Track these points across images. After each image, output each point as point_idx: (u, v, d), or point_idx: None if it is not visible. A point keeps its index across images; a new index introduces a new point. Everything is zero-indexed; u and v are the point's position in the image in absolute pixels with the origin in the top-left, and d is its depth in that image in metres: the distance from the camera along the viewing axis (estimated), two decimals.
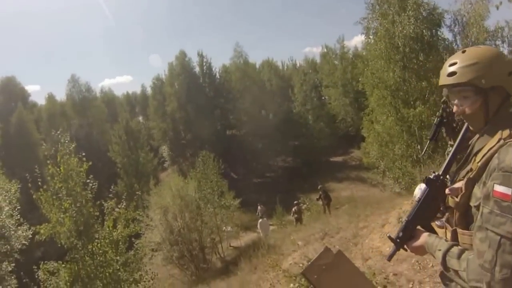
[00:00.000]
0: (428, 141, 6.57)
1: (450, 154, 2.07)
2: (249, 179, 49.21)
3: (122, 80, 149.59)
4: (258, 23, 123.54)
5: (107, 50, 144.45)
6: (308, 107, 53.05)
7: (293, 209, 22.56)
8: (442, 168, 2.06)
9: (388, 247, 7.43)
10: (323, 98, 57.93)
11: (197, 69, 56.61)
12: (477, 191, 1.79)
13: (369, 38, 24.28)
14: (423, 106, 21.13)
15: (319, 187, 23.02)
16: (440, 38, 23.58)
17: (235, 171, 49.35)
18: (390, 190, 22.46)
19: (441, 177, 2.03)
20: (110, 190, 15.50)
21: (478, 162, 1.81)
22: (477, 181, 1.80)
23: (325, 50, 62.81)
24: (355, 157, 49.62)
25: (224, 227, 25.82)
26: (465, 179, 1.85)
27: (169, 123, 56.56)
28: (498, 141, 1.76)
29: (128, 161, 43.09)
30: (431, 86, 21.31)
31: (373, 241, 8.86)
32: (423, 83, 21.72)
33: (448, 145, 6.55)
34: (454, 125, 6.06)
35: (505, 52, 26.39)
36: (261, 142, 53.95)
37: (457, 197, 1.89)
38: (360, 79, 27.95)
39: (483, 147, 1.84)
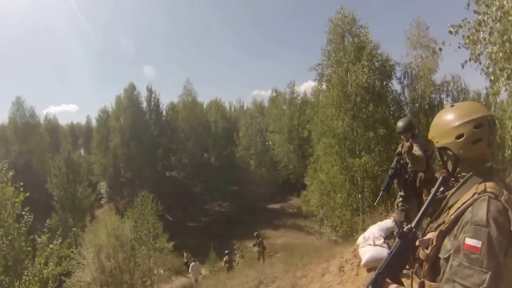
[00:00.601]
0: (381, 192, 6.63)
1: (424, 207, 2.11)
2: (184, 223, 48.59)
3: (68, 108, 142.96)
4: (210, 61, 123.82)
5: (56, 75, 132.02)
6: (252, 152, 53.40)
7: (225, 259, 22.85)
8: (415, 221, 2.08)
9: None
10: (267, 143, 58.20)
11: (144, 104, 55.83)
12: (448, 243, 1.89)
13: (322, 84, 24.71)
14: (368, 156, 21.55)
15: (255, 234, 22.61)
16: (389, 89, 24.34)
17: (170, 213, 48.25)
18: (327, 238, 22.36)
19: (413, 230, 2.05)
20: (45, 224, 15.04)
21: (451, 215, 1.91)
22: (448, 234, 1.91)
23: (274, 94, 63.86)
24: (294, 205, 49.94)
25: (156, 270, 25.16)
26: (437, 232, 1.96)
27: (111, 159, 55.26)
28: (473, 196, 1.86)
29: (65, 195, 41.52)
30: (377, 136, 22.21)
31: None
32: (370, 133, 22.29)
33: (398, 196, 6.66)
34: (406, 176, 6.36)
35: (448, 105, 27.33)
36: (199, 186, 54.42)
37: (427, 249, 1.99)
38: (307, 126, 28.36)
39: (457, 201, 1.93)
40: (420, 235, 2.07)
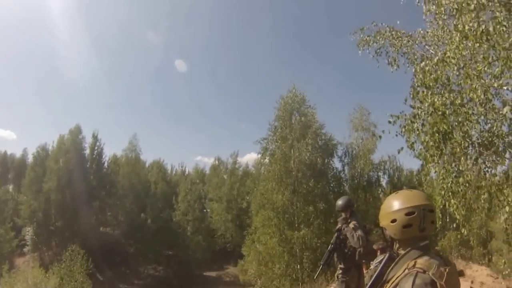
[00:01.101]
0: (321, 266, 6.79)
1: (372, 280, 2.32)
2: (115, 284, 45.99)
3: (4, 134, 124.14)
4: (158, 119, 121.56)
5: None
6: (189, 217, 52.24)
7: None
8: None
9: None
10: (205, 210, 57.77)
11: (87, 151, 52.52)
12: None
13: (265, 158, 25.27)
14: (307, 229, 21.96)
15: None
16: (331, 166, 25.30)
17: (101, 272, 44.71)
18: None
19: None
20: None
21: None
22: None
23: (217, 162, 64.15)
24: (230, 273, 49.13)
25: None
26: None
27: (42, 202, 48.44)
28: (403, 271, 2.08)
29: None
30: (317, 210, 22.78)
31: None
32: (310, 207, 22.99)
33: (338, 268, 6.78)
34: (346, 250, 6.59)
35: (384, 182, 29.21)
36: (134, 246, 51.71)
37: None
38: (247, 197, 28.57)
39: (394, 276, 2.16)
40: None
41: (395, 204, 2.25)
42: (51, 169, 49.24)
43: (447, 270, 2.00)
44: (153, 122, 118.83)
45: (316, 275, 8.25)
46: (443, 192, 7.01)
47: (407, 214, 2.17)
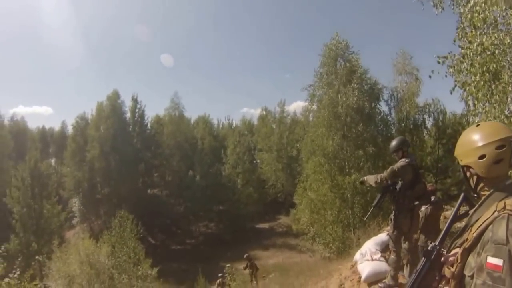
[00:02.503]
0: (372, 208, 6.93)
1: (447, 224, 2.23)
2: (168, 246, 46.34)
3: (40, 110, 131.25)
4: (200, 76, 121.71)
5: (30, 69, 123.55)
6: (239, 170, 51.73)
7: (218, 282, 21.43)
8: (439, 239, 2.19)
9: None
10: (255, 161, 57.70)
11: (128, 115, 52.66)
12: (472, 260, 1.95)
13: (313, 105, 25.45)
14: (357, 173, 21.95)
15: (245, 256, 22.00)
16: (377, 110, 25.22)
17: (153, 235, 45.96)
18: (321, 256, 22.52)
19: (438, 247, 2.15)
20: (1, 249, 12.58)
21: (473, 233, 1.96)
22: (472, 251, 1.96)
23: (264, 112, 63.83)
24: (283, 224, 49.23)
25: None
26: (461, 249, 2.02)
27: (86, 172, 49.81)
28: (493, 213, 1.90)
29: (29, 212, 34.86)
30: (367, 154, 22.96)
31: None
32: (360, 151, 23.18)
33: (392, 210, 6.81)
34: (396, 193, 6.63)
35: (430, 124, 29.11)
36: (183, 205, 51.85)
37: (452, 266, 2.06)
38: (297, 144, 28.60)
39: (479, 218, 1.98)
40: (445, 252, 2.16)
41: (481, 138, 2.06)
42: (93, 137, 49.53)
43: None
44: (196, 80, 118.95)
45: (367, 217, 8.38)
46: None
47: (497, 148, 2.00)
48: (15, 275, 10.05)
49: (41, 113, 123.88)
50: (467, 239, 2.01)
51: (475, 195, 2.17)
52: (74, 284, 18.21)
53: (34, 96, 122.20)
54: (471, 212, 2.10)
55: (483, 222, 1.92)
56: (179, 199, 52.23)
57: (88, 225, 49.03)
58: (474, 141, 2.08)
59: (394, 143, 6.75)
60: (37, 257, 21.12)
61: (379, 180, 6.49)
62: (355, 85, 23.52)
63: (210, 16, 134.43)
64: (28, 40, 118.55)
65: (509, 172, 2.13)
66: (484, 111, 7.20)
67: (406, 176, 6.47)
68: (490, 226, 1.87)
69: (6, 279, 9.84)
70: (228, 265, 22.36)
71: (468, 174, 2.18)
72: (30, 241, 32.97)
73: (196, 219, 51.92)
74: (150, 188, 53.85)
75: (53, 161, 68.49)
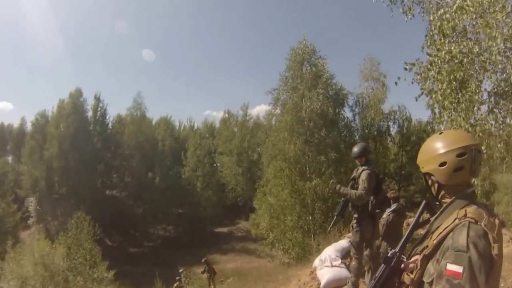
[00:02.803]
0: (335, 216, 6.95)
1: (408, 231, 2.24)
2: (125, 248, 45.92)
3: (0, 106, 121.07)
4: (163, 76, 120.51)
5: None
6: (199, 173, 51.87)
7: (175, 285, 21.46)
8: (399, 246, 2.20)
9: None
10: (215, 165, 57.71)
11: (90, 113, 52.15)
12: (431, 267, 1.97)
13: (276, 109, 25.55)
14: (318, 179, 22.18)
15: (203, 260, 21.64)
16: (341, 116, 25.50)
17: (110, 237, 45.68)
18: (280, 261, 22.43)
19: (398, 254, 2.15)
20: None
21: (434, 240, 1.97)
22: (431, 258, 1.98)
23: (227, 115, 63.68)
24: (242, 228, 49.36)
25: None
26: (421, 256, 2.03)
27: (44, 171, 48.64)
28: (454, 221, 1.93)
29: None
30: (329, 160, 23.07)
31: None
32: (322, 157, 23.28)
33: (353, 218, 6.80)
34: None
35: (394, 131, 29.67)
36: (142, 207, 51.45)
37: (412, 273, 2.07)
38: (258, 148, 28.61)
39: (440, 226, 2.00)
40: (405, 259, 2.15)
41: (443, 145, 2.07)
42: (52, 135, 48.54)
43: (496, 220, 1.93)
44: (159, 81, 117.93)
45: (330, 226, 8.37)
46: None
47: (458, 156, 2.01)
48: None
49: (1, 109, 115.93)
50: (427, 246, 2.03)
51: (437, 202, 2.20)
52: (27, 286, 18.09)
53: None
54: (432, 219, 2.12)
55: (443, 230, 1.95)
56: (138, 201, 51.80)
57: (44, 226, 47.28)
58: (436, 148, 2.10)
59: (356, 149, 6.75)
60: None
61: (355, 197, 6.40)
62: (320, 90, 23.65)
63: (176, 17, 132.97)
64: None
65: (473, 180, 2.25)
66: (449, 119, 7.28)
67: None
68: (451, 234, 1.90)
69: None
70: (181, 270, 22.72)
71: (429, 181, 2.21)
72: None
73: (155, 221, 51.50)
74: (109, 189, 53.43)
75: (10, 158, 67.61)
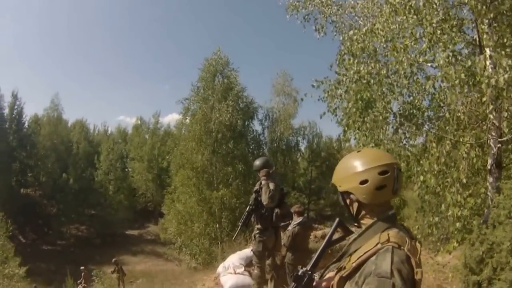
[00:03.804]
0: (239, 226, 6.81)
1: (320, 249, 2.02)
2: (38, 245, 44.10)
3: None
4: (81, 77, 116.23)
5: None
6: (111, 177, 51.12)
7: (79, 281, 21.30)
8: (311, 264, 1.99)
9: None
10: (127, 169, 56.79)
11: (6, 110, 48.11)
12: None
13: (186, 118, 24.97)
14: (226, 189, 22.20)
15: (113, 260, 21.83)
16: (251, 129, 25.55)
17: (23, 234, 43.97)
18: (187, 266, 22.14)
19: (309, 273, 1.96)
20: None
21: (352, 263, 1.79)
22: (349, 279, 1.80)
23: (139, 122, 62.96)
24: (151, 232, 48.93)
25: None
26: (337, 277, 1.86)
27: None
28: (376, 245, 1.75)
29: None
30: (236, 171, 23.06)
31: None
32: (229, 168, 23.28)
33: (256, 228, 6.69)
34: (263, 211, 6.45)
35: (303, 147, 29.96)
36: (56, 207, 49.58)
37: None
38: (167, 157, 28.17)
39: (359, 248, 1.81)
40: (317, 277, 2.00)
41: (363, 163, 1.87)
42: None
43: (418, 244, 1.80)
44: (76, 81, 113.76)
45: (235, 236, 8.19)
46: None
47: (380, 174, 1.82)
48: None
49: None
50: (344, 267, 1.83)
51: (355, 223, 1.97)
52: None
53: None
54: (350, 239, 1.92)
55: (364, 253, 1.74)
56: (52, 201, 49.73)
57: None
58: (355, 166, 1.88)
59: (257, 162, 6.61)
60: None
61: (266, 196, 6.15)
62: (230, 102, 23.57)
63: (91, 16, 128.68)
64: None
65: (392, 200, 1.97)
66: (354, 137, 7.21)
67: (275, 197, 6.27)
68: (373, 258, 1.70)
69: None
70: (82, 267, 22.59)
71: (348, 201, 1.95)
72: None
73: (68, 221, 49.47)
74: (23, 187, 50.62)
75: None
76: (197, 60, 62.15)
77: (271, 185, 6.18)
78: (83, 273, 22.23)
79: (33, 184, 50.83)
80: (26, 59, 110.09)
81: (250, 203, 6.57)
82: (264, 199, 6.19)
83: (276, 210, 6.42)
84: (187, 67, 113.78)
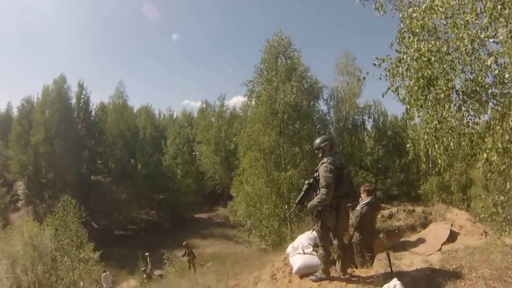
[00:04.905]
0: (295, 205, 6.86)
1: None
2: (110, 231, 46.11)
3: None
4: (144, 65, 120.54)
5: None
6: (179, 161, 52.36)
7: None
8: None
9: None
10: (194, 153, 57.74)
11: (73, 100, 50.80)
12: None
13: (251, 100, 25.03)
14: (293, 170, 22.11)
15: (184, 244, 22.43)
16: (316, 109, 25.30)
17: (96, 220, 46.18)
18: (257, 247, 22.66)
19: None
20: None
21: None
22: None
23: (204, 105, 63.98)
24: (220, 215, 49.77)
25: (81, 283, 22.52)
26: None
27: (31, 156, 48.18)
28: None
29: None
30: (303, 152, 22.81)
31: None
32: (296, 148, 23.13)
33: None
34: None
35: (369, 126, 29.56)
36: (126, 193, 51.67)
37: None
38: (234, 139, 28.42)
39: None
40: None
41: None
42: (38, 121, 47.83)
43: None
44: (140, 69, 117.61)
45: (290, 213, 8.27)
46: (426, 137, 7.00)
47: None
48: None
49: None
50: None
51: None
52: (18, 265, 18.33)
53: None
54: None
55: None
56: (121, 187, 51.93)
57: (32, 208, 47.32)
58: None
59: (317, 140, 6.58)
60: None
61: (321, 200, 6.16)
62: (295, 82, 23.36)
63: (159, 6, 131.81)
64: None
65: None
66: (418, 115, 7.21)
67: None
68: None
69: None
70: (147, 253, 24.10)
71: None
72: None
73: (138, 206, 51.84)
74: (94, 174, 53.44)
75: None
76: (259, 42, 62.27)
77: (321, 170, 6.16)
78: (148, 258, 23.73)
79: (102, 171, 53.51)
80: (91, 49, 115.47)
81: (306, 182, 6.60)
82: (319, 203, 6.18)
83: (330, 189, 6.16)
84: (249, 50, 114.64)
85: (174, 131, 54.67)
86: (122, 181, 51.46)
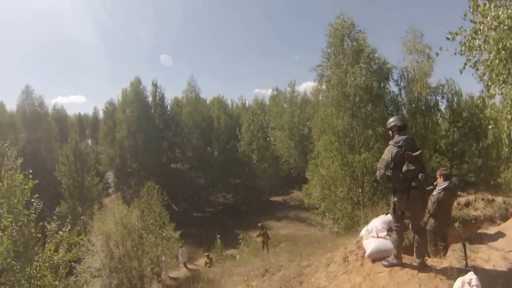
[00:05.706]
0: (373, 182, 6.60)
1: None
2: (189, 213, 48.40)
3: (76, 99, 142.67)
4: (214, 59, 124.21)
5: (64, 66, 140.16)
6: (254, 147, 52.69)
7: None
8: None
9: (335, 286, 6.98)
10: (268, 139, 58.08)
11: (149, 98, 54.21)
12: None
13: (322, 85, 24.54)
14: (367, 153, 21.60)
15: (259, 225, 22.79)
16: (387, 90, 24.39)
17: (176, 203, 48.40)
18: (329, 230, 22.27)
19: None
20: (55, 212, 14.17)
21: None
22: None
23: (275, 92, 64.38)
24: (295, 198, 49.96)
25: (163, 258, 24.53)
26: None
27: (117, 149, 54.08)
28: None
29: (73, 183, 40.22)
30: (376, 134, 22.25)
31: (319, 280, 8.28)
32: (369, 131, 22.51)
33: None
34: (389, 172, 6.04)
35: (443, 106, 27.84)
36: (203, 178, 54.02)
37: None
38: (308, 123, 28.10)
39: None
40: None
41: None
42: (120, 119, 52.99)
43: None
44: (211, 62, 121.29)
45: (373, 179, 7.86)
46: (510, 117, 6.30)
47: None
48: (66, 231, 11.44)
49: (76, 102, 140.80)
50: None
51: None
52: (111, 240, 20.43)
53: (69, 87, 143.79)
54: None
55: None
56: (199, 173, 54.51)
57: (121, 194, 52.98)
58: None
59: (390, 120, 6.23)
60: (82, 217, 23.75)
61: (374, 178, 6.12)
62: (363, 64, 22.54)
63: (226, 7, 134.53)
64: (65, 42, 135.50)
65: None
66: (500, 92, 6.46)
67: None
68: None
69: (60, 232, 11.19)
70: (218, 236, 26.34)
71: None
72: (76, 205, 38.04)
73: (215, 190, 54.11)
74: (173, 162, 55.66)
75: (89, 141, 77.25)
76: (322, 26, 61.54)
77: (386, 151, 5.91)
78: (219, 240, 25.05)
79: (181, 159, 56.14)
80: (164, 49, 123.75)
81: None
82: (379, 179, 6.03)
83: (398, 173, 5.84)
84: (313, 35, 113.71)
85: (248, 118, 55.18)
86: (200, 168, 53.76)
